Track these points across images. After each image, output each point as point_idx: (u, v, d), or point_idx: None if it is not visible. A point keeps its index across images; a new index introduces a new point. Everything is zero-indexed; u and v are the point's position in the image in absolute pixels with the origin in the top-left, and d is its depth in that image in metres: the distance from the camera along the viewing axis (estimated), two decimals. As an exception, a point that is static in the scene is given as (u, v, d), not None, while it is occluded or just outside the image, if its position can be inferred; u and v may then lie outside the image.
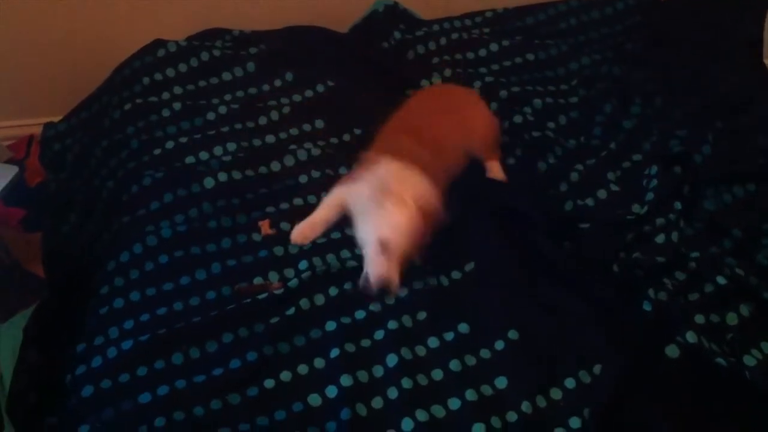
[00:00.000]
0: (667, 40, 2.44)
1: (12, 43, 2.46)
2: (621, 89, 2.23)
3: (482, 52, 2.39)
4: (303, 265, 1.76)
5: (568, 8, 2.56)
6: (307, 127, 2.13)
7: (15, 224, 2.31)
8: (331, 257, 1.77)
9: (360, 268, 1.73)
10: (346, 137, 2.13)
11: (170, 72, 2.23)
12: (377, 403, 1.54)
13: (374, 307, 1.67)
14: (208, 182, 1.94)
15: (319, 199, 1.90)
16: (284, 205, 1.91)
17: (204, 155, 2.01)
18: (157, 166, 1.99)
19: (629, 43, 2.45)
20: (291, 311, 1.67)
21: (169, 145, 2.04)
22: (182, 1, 2.49)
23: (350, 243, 1.81)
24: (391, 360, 1.58)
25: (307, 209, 1.89)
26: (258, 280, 1.75)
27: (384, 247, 1.64)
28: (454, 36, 2.43)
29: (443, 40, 2.41)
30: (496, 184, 1.99)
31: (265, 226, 1.85)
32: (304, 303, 1.68)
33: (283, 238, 1.83)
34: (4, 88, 2.55)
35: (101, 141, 2.15)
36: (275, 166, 2.00)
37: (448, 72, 2.30)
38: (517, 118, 2.17)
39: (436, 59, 2.35)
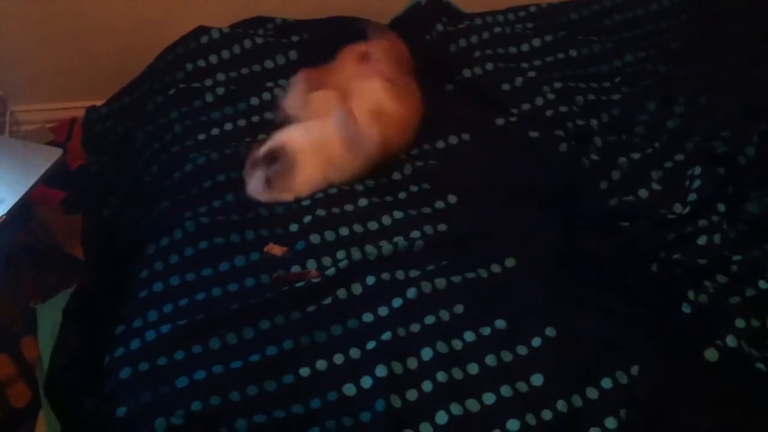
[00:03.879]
0: (713, 38, 2.41)
1: (56, 26, 2.48)
2: (665, 87, 2.20)
3: (525, 47, 2.37)
4: (341, 254, 1.76)
5: (613, 4, 2.53)
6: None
7: (55, 206, 2.34)
8: (369, 247, 1.77)
9: (397, 256, 1.76)
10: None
11: (213, 59, 2.24)
12: (412, 395, 1.53)
13: (411, 295, 1.66)
14: None
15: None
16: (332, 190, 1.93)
17: (248, 141, 2.03)
18: (201, 150, 2.01)
19: (674, 41, 2.42)
20: (328, 300, 1.68)
21: (215, 131, 2.06)
22: (226, -12, 2.51)
23: (388, 233, 1.82)
24: (427, 353, 1.58)
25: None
26: (296, 269, 1.75)
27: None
28: (497, 30, 2.41)
29: (486, 34, 2.39)
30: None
31: (273, 249, 1.82)
32: (341, 293, 1.69)
33: (319, 226, 1.83)
34: (47, 71, 2.58)
35: (145, 125, 2.17)
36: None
37: (490, 66, 2.28)
38: (560, 113, 2.15)
39: (478, 53, 2.33)
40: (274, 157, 1.89)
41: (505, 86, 2.22)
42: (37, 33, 2.48)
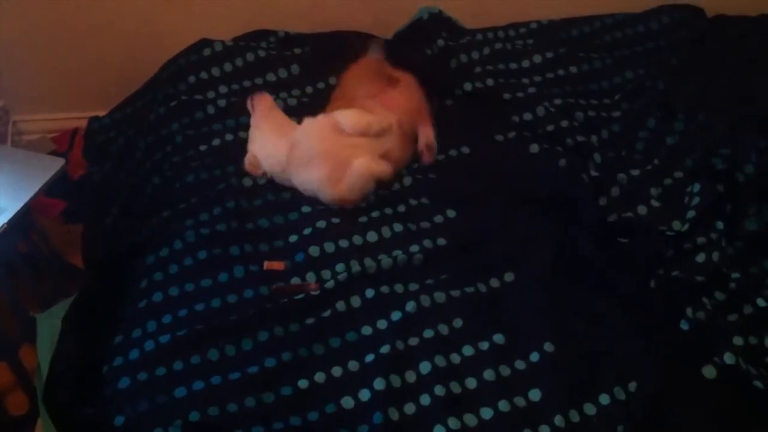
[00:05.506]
0: (713, 56, 2.42)
1: (59, 37, 2.49)
2: (665, 105, 2.21)
3: (525, 63, 2.38)
4: (340, 267, 1.76)
5: (614, 21, 2.55)
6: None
7: (55, 215, 2.34)
8: (368, 260, 1.77)
9: (396, 269, 1.76)
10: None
11: (215, 71, 2.25)
12: (409, 408, 1.54)
13: (410, 308, 1.67)
14: (246, 182, 1.97)
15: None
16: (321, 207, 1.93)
17: None
18: (202, 161, 2.02)
19: (674, 58, 2.43)
20: (327, 313, 1.68)
21: (215, 141, 2.07)
22: (229, 1, 2.51)
23: (388, 246, 1.82)
24: (425, 367, 1.58)
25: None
26: (295, 280, 1.76)
27: None
28: (498, 46, 2.43)
29: (486, 50, 2.40)
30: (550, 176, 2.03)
31: (273, 266, 1.82)
32: (340, 305, 1.69)
33: (319, 238, 1.83)
34: (49, 81, 2.59)
35: (146, 135, 2.18)
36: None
37: (490, 81, 2.29)
38: (560, 129, 2.15)
39: (479, 68, 2.34)
40: None
41: (506, 101, 2.23)
42: (40, 44, 2.49)
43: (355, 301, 1.70)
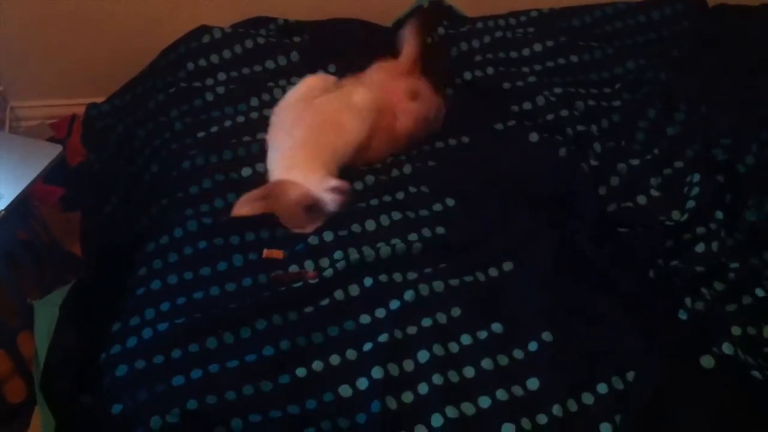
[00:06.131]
0: (715, 47, 2.42)
1: (57, 23, 2.49)
2: (666, 95, 2.20)
3: (525, 52, 2.37)
4: (338, 255, 1.76)
5: (615, 11, 2.54)
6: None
7: (54, 202, 2.34)
8: (366, 248, 1.77)
9: (395, 258, 1.76)
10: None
11: (214, 58, 2.25)
12: (407, 397, 1.54)
13: (409, 297, 1.67)
14: (246, 171, 1.96)
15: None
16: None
17: (247, 139, 2.04)
18: (200, 148, 2.01)
19: (676, 49, 2.42)
20: (325, 301, 1.68)
21: (213, 129, 2.06)
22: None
23: (386, 235, 1.81)
24: (423, 355, 1.58)
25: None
26: (294, 269, 1.75)
27: None
28: (498, 34, 2.42)
29: (487, 38, 2.39)
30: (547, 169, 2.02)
31: (272, 254, 1.82)
32: (338, 294, 1.69)
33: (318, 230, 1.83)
34: (48, 67, 2.59)
35: (146, 122, 2.18)
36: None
37: (490, 69, 2.28)
38: (560, 118, 2.15)
39: (479, 57, 2.34)
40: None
41: (506, 90, 2.23)
42: (39, 30, 2.49)
43: (354, 290, 1.70)
